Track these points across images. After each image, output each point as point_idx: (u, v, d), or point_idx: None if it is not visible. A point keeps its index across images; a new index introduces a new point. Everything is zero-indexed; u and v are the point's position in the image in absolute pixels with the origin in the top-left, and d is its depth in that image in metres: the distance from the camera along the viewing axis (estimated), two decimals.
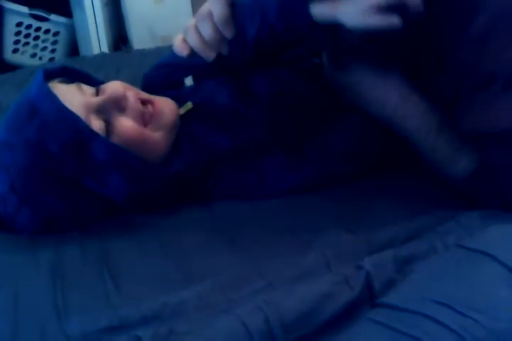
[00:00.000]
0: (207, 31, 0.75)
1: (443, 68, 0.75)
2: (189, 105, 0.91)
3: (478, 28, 0.69)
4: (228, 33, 0.75)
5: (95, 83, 0.91)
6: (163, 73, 1.03)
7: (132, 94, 0.86)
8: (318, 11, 0.74)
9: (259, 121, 0.89)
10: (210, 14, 0.75)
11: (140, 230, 0.83)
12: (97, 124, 0.82)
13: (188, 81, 0.97)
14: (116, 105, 0.84)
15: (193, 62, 0.97)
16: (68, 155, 0.79)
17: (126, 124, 0.83)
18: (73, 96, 0.83)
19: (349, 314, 0.60)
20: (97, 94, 0.86)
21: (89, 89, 0.86)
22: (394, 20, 0.68)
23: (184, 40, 0.78)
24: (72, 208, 0.83)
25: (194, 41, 0.77)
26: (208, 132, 0.89)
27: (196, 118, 0.91)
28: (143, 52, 1.60)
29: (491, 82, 0.71)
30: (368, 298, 0.62)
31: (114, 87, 0.85)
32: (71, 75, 0.91)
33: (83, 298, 0.69)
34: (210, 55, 0.77)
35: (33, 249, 0.80)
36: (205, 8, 0.76)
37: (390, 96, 0.83)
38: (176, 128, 0.89)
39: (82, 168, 0.80)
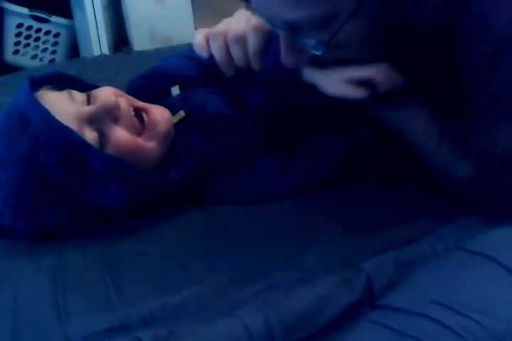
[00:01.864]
0: (238, 55, 0.82)
1: (453, 80, 0.76)
2: (181, 114, 0.90)
3: (487, 50, 0.70)
4: (257, 66, 0.82)
5: (88, 87, 0.90)
6: (149, 83, 1.01)
7: (125, 102, 0.84)
8: (304, 74, 0.80)
9: (251, 128, 0.88)
10: (245, 40, 0.80)
11: (140, 232, 0.82)
12: (90, 135, 0.80)
13: (175, 91, 0.96)
14: (109, 115, 0.82)
15: (182, 73, 0.98)
16: (62, 168, 0.78)
17: (120, 135, 0.82)
18: (64, 106, 0.81)
19: (349, 316, 0.61)
20: (89, 100, 0.84)
21: (80, 96, 0.84)
22: (362, 93, 0.76)
23: (208, 45, 0.84)
24: (67, 219, 0.82)
25: (221, 56, 0.84)
26: (201, 140, 0.89)
27: (188, 126, 0.90)
28: (143, 54, 1.60)
29: (492, 104, 0.72)
30: (368, 300, 0.63)
31: (105, 95, 0.83)
32: (62, 81, 0.89)
33: (84, 300, 0.69)
34: (230, 71, 0.85)
35: (34, 252, 0.80)
36: (239, 26, 0.81)
37: (393, 101, 0.83)
38: (171, 137, 0.88)
39: (77, 179, 0.79)
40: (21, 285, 0.73)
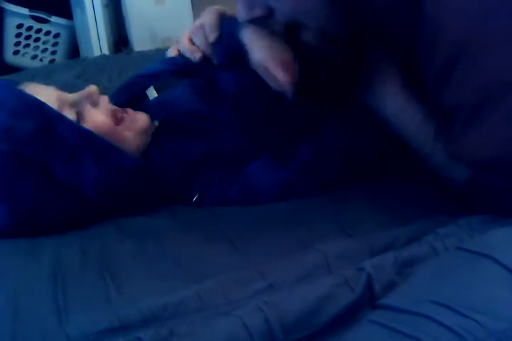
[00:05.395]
0: (200, 41, 0.94)
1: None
2: (155, 124, 0.93)
3: (441, 58, 0.70)
4: (212, 37, 0.92)
5: None
6: (125, 89, 1.04)
7: (106, 98, 0.90)
8: (242, 35, 0.83)
9: (227, 119, 0.89)
10: (202, 25, 0.94)
11: (140, 231, 0.83)
12: (68, 113, 0.85)
13: (151, 93, 0.98)
14: (88, 98, 0.87)
15: (154, 70, 1.02)
16: (37, 140, 0.81)
17: (97, 117, 0.87)
18: (47, 90, 0.87)
19: (350, 315, 0.61)
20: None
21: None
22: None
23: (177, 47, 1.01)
24: (45, 200, 0.82)
25: (186, 48, 0.97)
26: (177, 142, 0.91)
27: (163, 133, 0.92)
28: (144, 54, 1.60)
29: (456, 112, 0.72)
30: (369, 300, 0.62)
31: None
32: None
33: (84, 300, 0.69)
34: (196, 56, 0.95)
35: (34, 250, 0.80)
36: (197, 22, 0.96)
37: (389, 105, 0.83)
38: (148, 139, 0.91)
39: (52, 151, 0.81)
40: (21, 284, 0.73)
